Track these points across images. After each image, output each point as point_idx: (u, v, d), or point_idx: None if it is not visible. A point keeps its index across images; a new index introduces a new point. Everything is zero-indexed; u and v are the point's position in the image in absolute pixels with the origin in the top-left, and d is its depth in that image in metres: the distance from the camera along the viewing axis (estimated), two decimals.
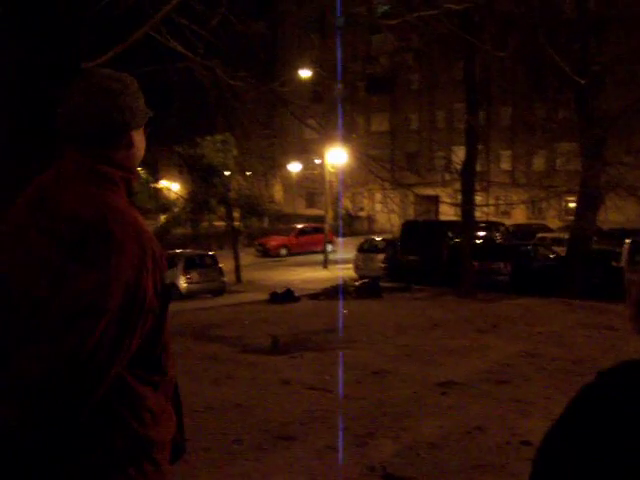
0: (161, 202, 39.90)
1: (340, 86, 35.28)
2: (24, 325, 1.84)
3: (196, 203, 34.09)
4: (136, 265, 1.89)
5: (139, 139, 2.15)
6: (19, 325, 1.86)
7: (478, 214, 24.51)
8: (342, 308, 17.00)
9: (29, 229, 1.94)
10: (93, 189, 1.97)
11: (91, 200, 1.94)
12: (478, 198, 25.57)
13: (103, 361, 1.83)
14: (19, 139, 4.36)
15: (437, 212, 44.52)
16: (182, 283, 25.76)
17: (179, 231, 38.76)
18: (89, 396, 1.83)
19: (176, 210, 36.48)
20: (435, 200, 39.64)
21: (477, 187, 23.42)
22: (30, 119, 4.39)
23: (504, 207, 42.60)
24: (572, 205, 35.76)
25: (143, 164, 2.22)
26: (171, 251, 28.63)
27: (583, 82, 20.11)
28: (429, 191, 42.02)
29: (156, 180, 43.85)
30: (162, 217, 39.31)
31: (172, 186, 44.42)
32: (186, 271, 26.19)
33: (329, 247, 37.03)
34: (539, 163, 47.13)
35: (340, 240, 41.14)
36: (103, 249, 1.86)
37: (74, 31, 4.53)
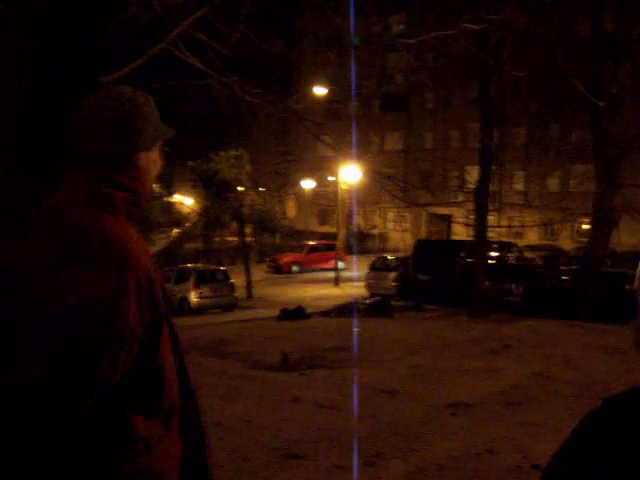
0: (174, 216, 40.07)
1: (354, 103, 35.42)
2: None
3: (209, 218, 34.22)
4: (111, 287, 1.80)
5: (149, 160, 2.08)
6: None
7: (491, 234, 24.43)
8: (354, 326, 16.94)
9: (22, 246, 1.91)
10: (90, 211, 1.91)
11: (83, 221, 1.88)
12: (491, 218, 25.52)
13: (74, 389, 1.75)
14: (33, 151, 4.37)
15: (450, 231, 44.50)
16: (193, 298, 25.80)
17: (191, 245, 38.88)
18: (63, 425, 1.77)
19: (189, 224, 36.61)
20: (448, 219, 39.63)
21: (490, 207, 23.35)
22: (44, 132, 4.40)
23: (517, 228, 42.49)
24: (585, 227, 35.66)
25: (157, 178, 2.17)
26: (183, 265, 28.70)
27: (601, 104, 20.06)
28: (442, 210, 41.97)
29: (170, 194, 44.06)
30: (174, 231, 39.46)
31: (185, 200, 44.59)
32: (197, 286, 26.24)
33: (341, 264, 37.00)
34: (553, 184, 47.08)
35: (352, 258, 41.11)
36: (74, 261, 1.80)
37: (92, 45, 4.55)
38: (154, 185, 2.21)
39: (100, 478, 1.87)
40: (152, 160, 2.09)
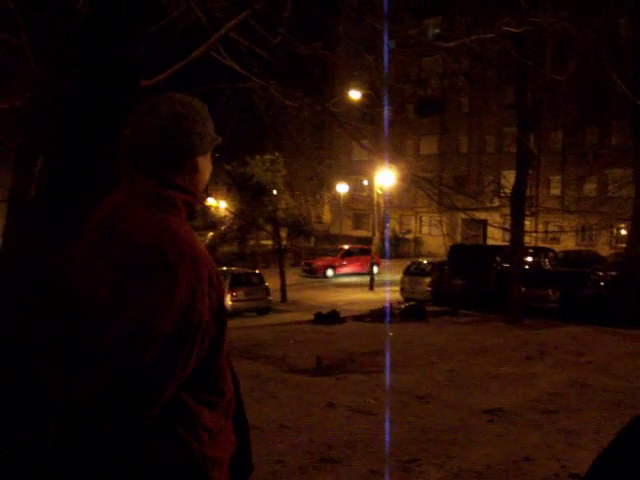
0: (209, 219, 40.30)
1: (389, 107, 35.32)
2: (84, 345, 1.86)
3: (244, 221, 34.33)
4: (191, 289, 1.90)
5: (205, 164, 2.17)
6: (80, 344, 1.88)
7: (527, 239, 24.20)
8: (388, 331, 16.89)
9: (94, 253, 1.98)
10: (154, 213, 1.98)
11: (149, 225, 1.95)
12: (527, 223, 25.28)
13: (157, 382, 1.85)
14: (78, 154, 4.41)
15: (485, 236, 44.20)
16: (228, 301, 25.89)
17: (226, 249, 39.06)
18: (143, 416, 1.86)
19: (224, 228, 36.78)
20: (483, 224, 39.34)
21: (526, 212, 23.14)
22: (89, 134, 4.44)
23: (554, 233, 42.09)
24: (624, 232, 35.19)
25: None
26: (218, 268, 28.83)
27: None
28: (477, 215, 41.71)
29: (205, 197, 44.28)
30: (210, 234, 39.68)
31: (221, 204, 44.81)
32: (232, 289, 26.34)
33: (375, 269, 36.91)
34: (590, 189, 46.52)
35: (387, 262, 41.00)
36: (157, 274, 1.87)
37: (133, 50, 4.58)
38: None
39: (171, 468, 1.95)
40: (207, 164, 2.19)
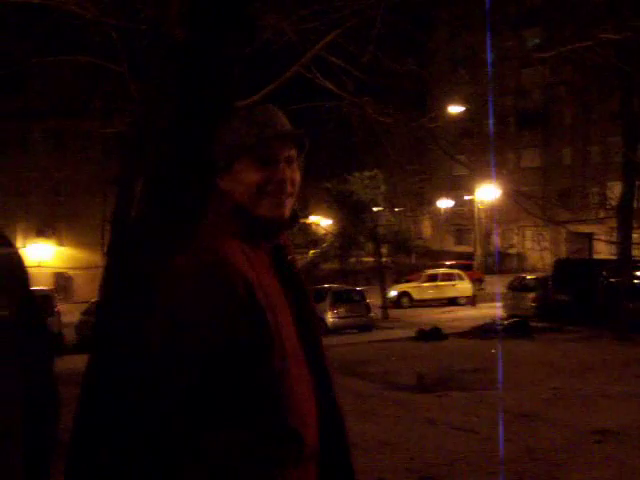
0: (310, 237, 40.62)
1: (491, 122, 34.91)
2: None
3: (345, 239, 34.41)
4: (195, 305, 1.73)
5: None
6: None
7: (636, 252, 23.39)
8: (492, 348, 16.59)
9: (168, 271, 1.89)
10: (227, 237, 1.86)
11: (215, 253, 1.81)
12: (635, 236, 24.41)
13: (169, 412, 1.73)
14: (178, 172, 4.55)
15: (591, 250, 42.97)
16: (329, 318, 25.96)
17: (328, 266, 39.22)
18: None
19: (325, 245, 36.97)
20: (589, 238, 38.29)
21: (635, 224, 22.37)
22: (187, 154, 4.58)
23: None
24: None
25: None
26: (319, 286, 28.99)
27: None
28: (582, 228, 40.60)
29: (306, 215, 44.74)
30: (311, 252, 40.01)
31: (321, 222, 45.14)
32: (333, 306, 26.39)
33: (478, 285, 36.36)
34: None
35: (489, 278, 40.33)
36: (159, 288, 1.82)
37: (228, 71, 4.69)
38: None
39: None
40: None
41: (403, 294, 34.42)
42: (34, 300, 2.00)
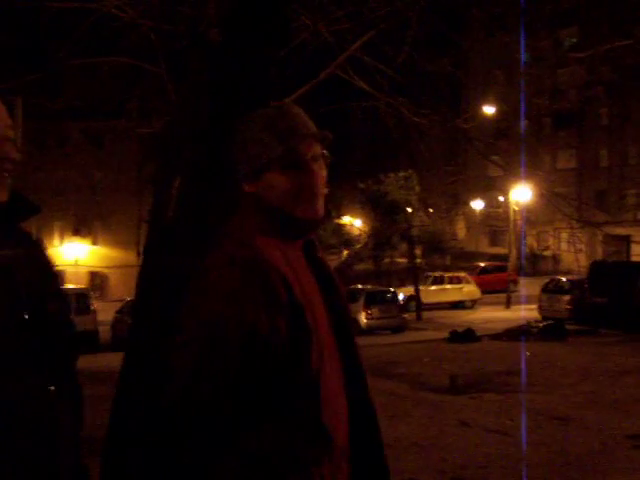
0: (344, 237, 40.61)
1: (525, 122, 34.59)
2: None
3: (378, 239, 34.36)
4: (231, 299, 1.70)
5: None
6: None
7: None
8: (526, 350, 16.47)
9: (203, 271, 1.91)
10: (256, 236, 1.84)
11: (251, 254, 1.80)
12: None
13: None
14: (214, 172, 4.60)
15: (628, 252, 42.45)
16: (362, 318, 25.97)
17: (361, 266, 39.21)
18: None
19: (358, 246, 36.96)
20: (626, 240, 37.81)
21: None
22: (223, 154, 4.64)
23: None
24: None
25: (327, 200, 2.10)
26: (353, 286, 29.02)
27: None
28: (619, 230, 40.13)
29: (339, 216, 44.74)
30: (345, 252, 39.99)
31: (355, 222, 45.10)
32: (367, 306, 26.40)
33: (512, 286, 36.11)
34: None
35: (524, 280, 40.01)
36: (193, 284, 1.80)
37: (264, 73, 4.73)
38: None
39: None
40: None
41: (411, 298, 34.06)
42: (61, 297, 1.97)
